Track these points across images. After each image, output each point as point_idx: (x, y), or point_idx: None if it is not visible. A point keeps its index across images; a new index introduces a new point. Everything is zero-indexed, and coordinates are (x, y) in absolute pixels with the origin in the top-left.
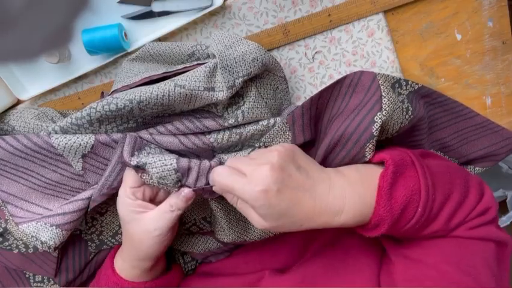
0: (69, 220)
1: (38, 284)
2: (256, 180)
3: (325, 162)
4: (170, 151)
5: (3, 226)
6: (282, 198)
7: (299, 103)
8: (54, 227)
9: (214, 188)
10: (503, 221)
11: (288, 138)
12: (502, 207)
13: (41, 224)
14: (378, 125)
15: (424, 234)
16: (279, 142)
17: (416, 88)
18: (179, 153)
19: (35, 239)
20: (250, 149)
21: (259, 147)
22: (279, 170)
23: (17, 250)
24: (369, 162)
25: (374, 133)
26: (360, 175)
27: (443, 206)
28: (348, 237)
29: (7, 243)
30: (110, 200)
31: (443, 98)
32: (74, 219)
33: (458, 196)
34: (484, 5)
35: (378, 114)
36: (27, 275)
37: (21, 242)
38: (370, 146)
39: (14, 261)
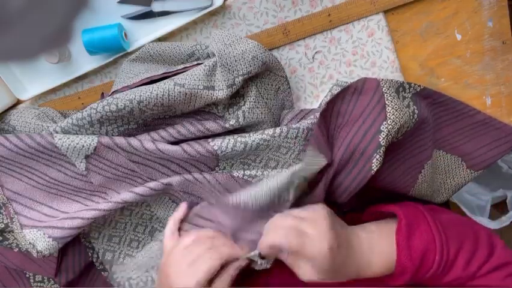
0: (66, 235)
1: (38, 284)
2: (321, 239)
3: (335, 179)
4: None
5: (5, 222)
6: (340, 253)
7: (299, 103)
8: (51, 239)
9: (263, 250)
10: (503, 221)
11: (323, 160)
12: (502, 207)
13: (40, 233)
14: (385, 134)
15: (446, 281)
16: (317, 168)
17: (418, 90)
18: (182, 163)
19: (32, 246)
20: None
21: (298, 181)
22: (333, 228)
23: (17, 249)
24: (382, 214)
25: (381, 142)
26: (379, 229)
27: (458, 254)
28: None
29: (7, 242)
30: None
31: (444, 98)
32: (71, 234)
33: (469, 246)
34: (484, 5)
35: (384, 123)
36: (27, 275)
37: None
38: (377, 156)
39: (14, 261)
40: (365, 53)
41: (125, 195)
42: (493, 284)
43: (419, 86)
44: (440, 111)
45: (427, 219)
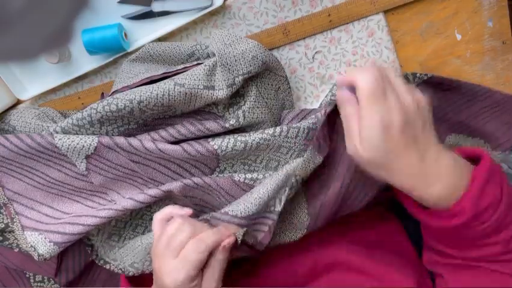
0: (66, 240)
1: (38, 284)
2: (394, 108)
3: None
4: (177, 163)
5: (5, 222)
6: (398, 141)
7: (299, 103)
8: (52, 244)
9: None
10: None
11: (320, 161)
12: None
13: (41, 237)
14: None
15: (480, 244)
16: (313, 167)
17: (425, 79)
18: (183, 163)
19: (33, 249)
20: (260, 159)
21: (296, 181)
22: (413, 119)
23: (17, 249)
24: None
25: None
26: (461, 160)
27: (509, 225)
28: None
29: (7, 242)
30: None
31: (456, 84)
32: (71, 240)
33: None
34: (484, 5)
35: None
36: (27, 275)
37: None
38: None
39: (15, 261)
40: (365, 53)
41: (126, 202)
42: None
43: (426, 74)
44: (454, 95)
45: (501, 176)
